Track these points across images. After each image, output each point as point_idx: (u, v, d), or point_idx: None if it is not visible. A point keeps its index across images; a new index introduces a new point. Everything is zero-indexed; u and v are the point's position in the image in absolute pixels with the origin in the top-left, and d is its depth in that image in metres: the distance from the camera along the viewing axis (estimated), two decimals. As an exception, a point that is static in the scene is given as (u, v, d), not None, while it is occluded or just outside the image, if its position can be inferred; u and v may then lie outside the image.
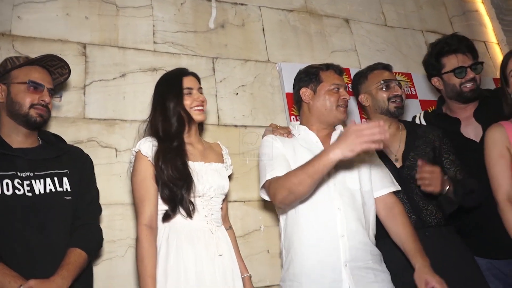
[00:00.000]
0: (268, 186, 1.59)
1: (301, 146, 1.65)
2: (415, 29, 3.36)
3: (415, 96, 2.84)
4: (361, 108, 2.36)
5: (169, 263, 1.48)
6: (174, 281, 1.45)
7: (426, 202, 1.74)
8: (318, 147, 1.65)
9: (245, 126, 2.42)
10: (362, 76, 2.00)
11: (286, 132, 1.71)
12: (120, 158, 2.06)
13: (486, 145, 1.68)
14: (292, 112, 2.45)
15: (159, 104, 1.71)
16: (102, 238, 1.64)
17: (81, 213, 1.55)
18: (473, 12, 3.84)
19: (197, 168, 1.61)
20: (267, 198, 1.64)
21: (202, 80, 2.39)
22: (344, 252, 1.49)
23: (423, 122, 2.14)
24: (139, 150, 1.60)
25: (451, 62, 1.97)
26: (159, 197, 1.57)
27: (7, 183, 1.41)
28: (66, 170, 1.56)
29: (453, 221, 1.81)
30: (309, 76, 1.76)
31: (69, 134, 1.97)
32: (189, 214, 1.53)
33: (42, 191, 1.46)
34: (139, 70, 2.29)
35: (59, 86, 1.79)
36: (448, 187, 1.65)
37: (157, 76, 2.29)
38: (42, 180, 1.47)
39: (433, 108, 2.49)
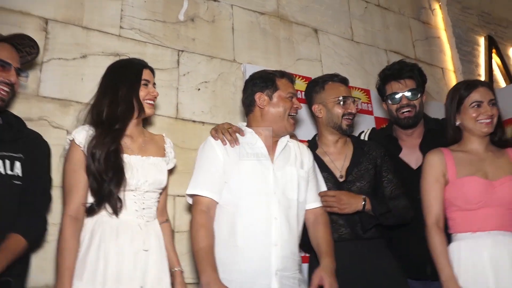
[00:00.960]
0: (192, 200, 1.64)
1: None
2: (380, 48, 3.48)
3: (371, 113, 2.95)
4: (312, 117, 2.40)
5: (89, 256, 1.45)
6: (91, 274, 1.43)
7: (360, 215, 1.81)
8: (264, 154, 1.68)
9: (203, 123, 2.43)
10: (318, 85, 2.00)
11: (233, 138, 1.69)
12: (71, 140, 2.02)
13: (424, 169, 1.77)
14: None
15: (109, 88, 1.67)
16: (46, 229, 1.60)
17: (30, 200, 1.51)
18: (435, 39, 4.03)
19: (133, 161, 1.60)
20: (190, 202, 1.67)
21: (165, 71, 2.40)
22: (276, 260, 1.53)
23: (366, 138, 2.21)
24: (73, 138, 1.57)
25: (390, 88, 2.04)
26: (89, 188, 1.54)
27: None
28: (21, 155, 1.52)
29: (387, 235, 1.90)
30: (265, 82, 1.77)
31: (20, 110, 1.89)
32: (115, 211, 1.51)
33: None
34: (101, 54, 2.24)
35: (25, 65, 1.73)
36: (364, 203, 1.74)
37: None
38: None
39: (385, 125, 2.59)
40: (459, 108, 1.75)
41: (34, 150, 1.59)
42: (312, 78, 2.78)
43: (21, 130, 1.61)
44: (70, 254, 1.42)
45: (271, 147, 1.72)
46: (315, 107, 1.99)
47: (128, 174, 1.55)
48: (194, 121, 2.41)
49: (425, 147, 1.94)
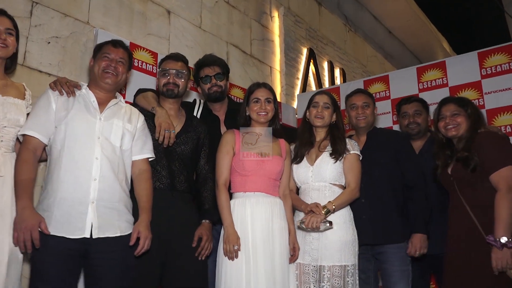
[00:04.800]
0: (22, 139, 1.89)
1: (79, 103, 1.96)
2: (222, 39, 4.06)
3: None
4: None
5: None
6: None
7: (179, 172, 2.24)
8: (94, 106, 1.98)
9: (49, 74, 2.62)
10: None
11: (70, 90, 1.95)
12: None
13: (220, 143, 2.30)
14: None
15: None
16: None
17: None
18: (269, 41, 4.81)
19: None
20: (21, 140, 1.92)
21: (16, 19, 2.50)
22: (94, 192, 1.83)
23: (200, 110, 2.70)
24: None
25: (203, 72, 2.57)
26: None
27: None
28: None
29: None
30: (95, 51, 2.10)
31: None
32: None
33: None
34: None
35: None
36: None
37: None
38: None
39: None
40: (248, 102, 2.32)
41: None
42: (158, 54, 3.22)
43: None
44: None
45: (104, 103, 2.02)
46: (156, 81, 2.39)
47: None
48: (40, 71, 2.59)
49: (228, 122, 2.52)
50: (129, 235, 1.90)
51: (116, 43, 2.07)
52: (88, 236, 1.80)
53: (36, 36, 2.60)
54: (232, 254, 2.04)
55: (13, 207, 1.79)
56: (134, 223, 1.95)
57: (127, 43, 2.95)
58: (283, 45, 4.93)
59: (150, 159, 2.14)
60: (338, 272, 2.11)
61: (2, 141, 1.83)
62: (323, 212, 2.10)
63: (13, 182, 1.81)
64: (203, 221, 2.20)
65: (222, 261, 2.08)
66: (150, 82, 3.04)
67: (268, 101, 2.29)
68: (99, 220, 1.83)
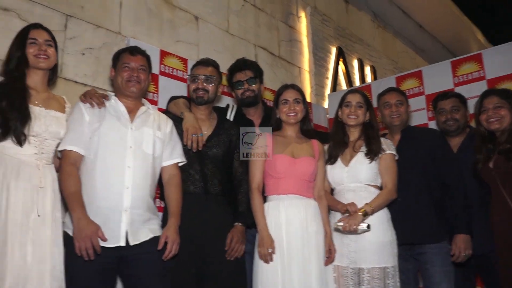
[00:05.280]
0: (61, 154, 1.94)
1: (110, 114, 2.01)
2: (250, 42, 4.07)
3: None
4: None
5: None
6: None
7: (212, 176, 2.25)
8: (124, 115, 2.02)
9: (85, 84, 2.70)
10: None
11: (99, 101, 2.01)
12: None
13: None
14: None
15: (9, 48, 1.95)
16: None
17: None
18: (297, 42, 4.79)
19: (37, 112, 1.88)
20: (59, 156, 1.97)
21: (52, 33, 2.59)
22: (127, 200, 1.87)
23: (233, 114, 2.71)
24: None
25: (235, 77, 2.58)
26: None
27: None
28: None
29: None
30: (114, 60, 2.13)
31: None
32: (19, 142, 1.79)
33: None
34: (-9, 7, 2.37)
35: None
36: None
37: (7, 16, 2.44)
38: None
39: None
40: (277, 104, 2.31)
41: None
42: (188, 60, 3.26)
43: None
44: None
45: (133, 112, 2.06)
46: (187, 87, 2.41)
47: (32, 121, 1.82)
48: (76, 82, 2.67)
49: (264, 125, 2.48)
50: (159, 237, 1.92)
51: (133, 51, 2.11)
52: (123, 244, 1.84)
53: (71, 48, 2.68)
54: (266, 258, 2.03)
55: (53, 218, 1.84)
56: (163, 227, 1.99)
57: (158, 51, 3.02)
58: (311, 45, 4.90)
59: (180, 164, 2.16)
60: (378, 274, 2.06)
61: (43, 153, 1.89)
62: (360, 214, 2.06)
63: (52, 193, 1.86)
64: (236, 223, 2.20)
65: (258, 264, 2.07)
66: (181, 89, 3.08)
67: (297, 102, 2.28)
68: (132, 227, 1.87)
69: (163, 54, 3.07)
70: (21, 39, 1.94)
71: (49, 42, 1.99)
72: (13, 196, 1.75)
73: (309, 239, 2.08)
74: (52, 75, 2.06)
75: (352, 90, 2.49)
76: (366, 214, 2.07)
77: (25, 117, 1.81)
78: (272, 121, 2.34)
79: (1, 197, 1.73)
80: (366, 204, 2.10)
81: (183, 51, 3.37)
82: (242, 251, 2.17)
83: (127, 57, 2.07)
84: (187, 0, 3.54)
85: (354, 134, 2.36)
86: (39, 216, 1.79)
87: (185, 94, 2.90)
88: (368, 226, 2.04)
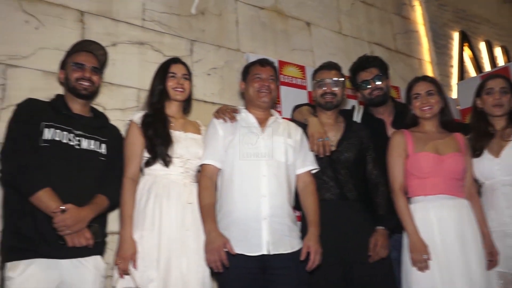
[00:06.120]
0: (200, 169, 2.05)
1: (241, 126, 2.07)
2: (364, 40, 3.92)
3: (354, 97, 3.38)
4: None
5: (148, 209, 1.88)
6: (150, 222, 1.86)
7: (346, 181, 2.18)
8: (255, 126, 2.08)
9: (213, 103, 2.84)
10: (314, 74, 2.39)
11: (231, 116, 2.09)
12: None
13: (389, 146, 2.17)
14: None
15: (151, 81, 2.15)
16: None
17: (112, 172, 1.95)
18: (413, 32, 4.49)
19: (177, 135, 2.03)
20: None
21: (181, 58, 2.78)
22: (264, 208, 1.89)
23: (360, 116, 2.59)
24: (132, 119, 2.03)
25: (360, 77, 2.46)
26: (145, 150, 1.98)
27: (65, 135, 1.88)
28: (106, 139, 2.00)
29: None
30: (243, 73, 2.21)
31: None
32: (166, 164, 1.95)
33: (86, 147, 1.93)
34: (128, 42, 2.63)
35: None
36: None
37: (143, 49, 2.68)
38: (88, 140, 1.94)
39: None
40: (410, 100, 2.18)
41: (115, 136, 2.08)
42: (305, 66, 3.25)
43: (105, 121, 2.12)
44: (130, 206, 1.88)
45: (263, 122, 2.11)
46: (312, 93, 2.39)
47: (174, 144, 1.99)
48: (205, 102, 2.83)
49: (396, 124, 2.35)
50: (299, 250, 1.90)
51: (263, 62, 2.17)
52: (265, 252, 1.85)
53: (198, 70, 2.85)
54: (422, 264, 1.88)
55: (198, 229, 1.94)
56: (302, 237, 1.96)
57: (276, 61, 3.06)
58: (429, 34, 4.55)
59: (314, 171, 2.13)
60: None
61: (187, 172, 2.02)
62: None
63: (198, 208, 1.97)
64: (378, 227, 2.10)
65: (411, 272, 1.93)
66: (301, 96, 3.08)
67: (429, 94, 2.12)
68: (273, 236, 1.88)
69: (281, 64, 3.11)
70: (163, 73, 2.13)
71: (185, 76, 2.15)
72: (166, 214, 1.89)
73: (466, 243, 1.90)
74: (187, 104, 2.22)
75: (492, 76, 2.27)
76: None
77: (168, 141, 1.98)
78: (408, 118, 2.19)
79: (154, 215, 1.88)
80: None
81: (298, 59, 3.37)
82: (386, 255, 2.06)
83: (257, 68, 2.14)
84: (297, 7, 3.55)
85: (500, 122, 2.17)
86: (187, 230, 1.91)
87: (305, 101, 2.91)
88: None
